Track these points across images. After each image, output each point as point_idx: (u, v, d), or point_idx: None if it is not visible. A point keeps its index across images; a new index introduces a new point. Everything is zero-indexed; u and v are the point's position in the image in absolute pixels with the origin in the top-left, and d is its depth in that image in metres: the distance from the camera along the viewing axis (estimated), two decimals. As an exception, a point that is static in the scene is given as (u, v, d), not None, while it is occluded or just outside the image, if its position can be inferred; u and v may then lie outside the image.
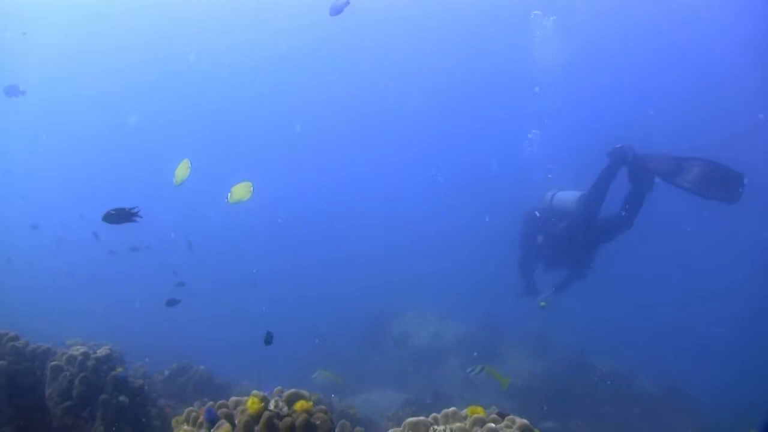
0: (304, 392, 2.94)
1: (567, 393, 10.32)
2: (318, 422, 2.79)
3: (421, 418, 2.52)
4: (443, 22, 22.73)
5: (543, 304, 8.59)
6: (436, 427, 2.41)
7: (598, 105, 26.25)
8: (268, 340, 4.74)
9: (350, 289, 17.67)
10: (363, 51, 23.97)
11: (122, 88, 26.35)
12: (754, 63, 18.74)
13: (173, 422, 3.15)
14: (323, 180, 29.55)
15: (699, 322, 16.38)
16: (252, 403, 2.75)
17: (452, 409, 2.58)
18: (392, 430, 2.54)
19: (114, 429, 3.95)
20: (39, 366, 4.33)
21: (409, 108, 26.54)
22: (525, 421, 2.46)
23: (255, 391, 2.86)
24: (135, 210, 3.63)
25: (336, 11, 7.66)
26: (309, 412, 2.80)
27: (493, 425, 2.39)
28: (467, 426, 2.42)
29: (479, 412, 2.53)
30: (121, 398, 4.04)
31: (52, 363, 4.14)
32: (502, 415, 2.63)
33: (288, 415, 2.77)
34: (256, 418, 2.72)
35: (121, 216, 3.60)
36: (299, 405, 2.81)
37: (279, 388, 3.01)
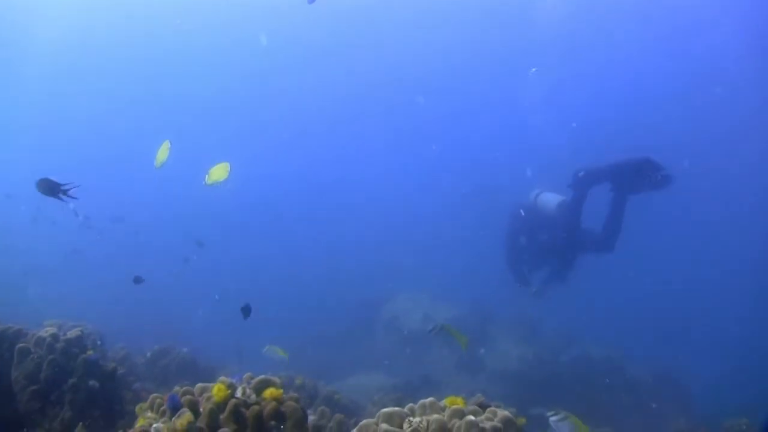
0: (275, 379, 2.77)
1: (557, 378, 10.23)
2: (288, 411, 2.62)
3: (396, 409, 2.35)
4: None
5: (533, 290, 8.76)
6: (411, 418, 2.25)
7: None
8: (246, 312, 4.56)
9: (340, 272, 17.54)
10: (353, 30, 23.58)
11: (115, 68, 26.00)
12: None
13: (137, 409, 2.99)
14: (310, 162, 29.30)
15: (697, 313, 16.35)
16: (218, 391, 2.58)
17: (430, 399, 2.41)
18: (364, 421, 2.38)
19: (83, 414, 3.79)
20: (8, 348, 4.14)
21: (397, 89, 26.24)
22: (506, 413, 2.30)
23: (222, 377, 2.70)
24: (68, 187, 3.42)
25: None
26: (278, 400, 2.63)
27: (472, 417, 2.22)
28: (445, 418, 2.26)
29: (458, 403, 2.37)
30: (92, 382, 3.88)
31: (20, 345, 3.96)
32: (483, 406, 2.47)
33: (256, 403, 2.61)
34: (221, 406, 2.55)
35: (51, 188, 3.37)
36: (268, 393, 2.64)
37: (248, 374, 2.85)
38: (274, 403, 2.60)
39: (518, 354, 11.81)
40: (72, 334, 4.03)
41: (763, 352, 11.71)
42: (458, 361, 12.10)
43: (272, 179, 27.55)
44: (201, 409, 2.60)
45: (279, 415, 2.59)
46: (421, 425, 2.21)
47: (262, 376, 2.75)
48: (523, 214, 8.62)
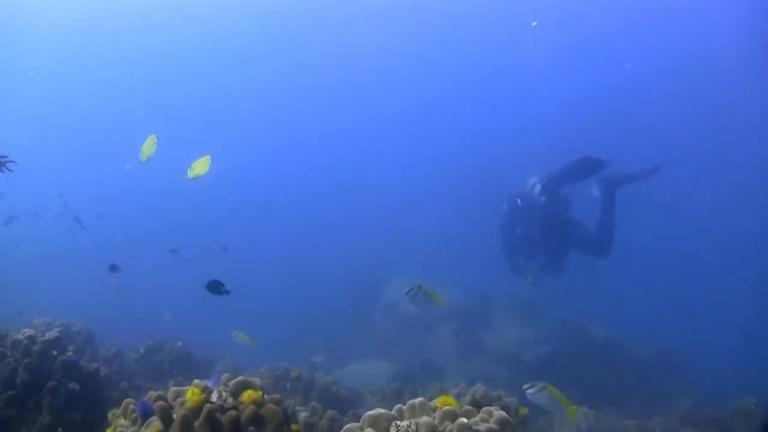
0: (254, 380, 2.58)
1: (559, 360, 10.09)
2: (268, 414, 2.44)
3: (383, 411, 2.17)
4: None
5: (530, 279, 8.84)
6: (398, 422, 2.07)
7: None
8: (215, 288, 4.28)
9: (338, 257, 17.37)
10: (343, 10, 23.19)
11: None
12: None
13: (109, 415, 2.82)
14: (307, 147, 29.04)
15: (700, 293, 16.21)
16: (192, 395, 2.40)
17: (419, 399, 2.23)
18: (347, 426, 2.20)
19: (63, 418, 3.62)
20: (-15, 351, 3.97)
21: (392, 66, 25.89)
22: (503, 414, 2.11)
23: (196, 381, 2.51)
24: (4, 160, 3.22)
25: None
26: (257, 403, 2.45)
27: (465, 420, 2.04)
28: (436, 421, 2.08)
29: (450, 403, 2.19)
30: (71, 385, 3.70)
31: (-5, 349, 3.79)
32: (478, 405, 2.28)
33: (233, 407, 2.42)
34: (195, 411, 2.37)
35: None
36: (246, 395, 2.46)
37: (227, 375, 2.66)
38: (252, 407, 2.41)
39: (519, 336, 11.69)
40: (50, 335, 3.84)
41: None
42: (459, 345, 11.99)
43: (265, 165, 27.35)
44: (174, 415, 2.41)
45: (258, 420, 2.41)
46: (409, 429, 2.03)
47: (241, 378, 2.56)
48: (519, 203, 8.65)
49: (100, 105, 25.66)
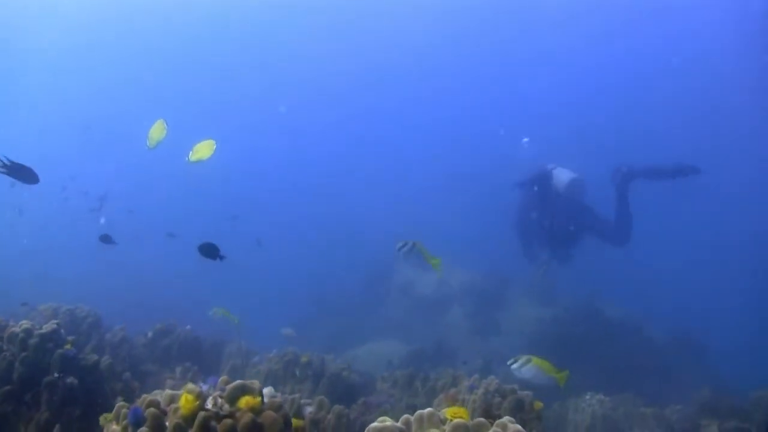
0: (253, 384, 2.42)
1: (575, 341, 9.91)
2: (267, 422, 2.28)
3: (388, 423, 1.99)
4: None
5: (543, 268, 9.05)
6: (404, 437, 1.90)
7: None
8: (207, 252, 4.05)
9: (354, 237, 17.25)
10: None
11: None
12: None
13: (101, 419, 2.69)
14: (320, 130, 28.89)
15: (717, 280, 15.95)
16: (185, 402, 2.24)
17: (428, 411, 2.05)
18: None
19: (61, 414, 3.51)
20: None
21: (405, 51, 25.61)
22: (518, 427, 1.93)
23: (190, 385, 2.35)
24: None
25: None
26: (255, 410, 2.29)
27: (476, 436, 1.86)
28: (444, 435, 1.91)
29: (461, 415, 2.01)
30: (69, 379, 3.57)
31: (-8, 342, 3.67)
32: (492, 417, 2.11)
33: (229, 414, 2.27)
34: (189, 419, 2.21)
35: None
36: (244, 402, 2.30)
37: (224, 378, 2.50)
38: (249, 415, 2.25)
39: (535, 315, 11.50)
40: (47, 327, 3.71)
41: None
42: (473, 326, 11.86)
43: (277, 151, 27.29)
44: (167, 423, 2.27)
45: (256, 428, 2.25)
46: (416, 444, 1.86)
47: (238, 382, 2.40)
48: (536, 189, 8.59)
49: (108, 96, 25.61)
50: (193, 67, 26.53)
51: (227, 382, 2.47)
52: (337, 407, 3.73)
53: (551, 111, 23.30)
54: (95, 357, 3.90)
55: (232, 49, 25.88)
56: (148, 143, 5.20)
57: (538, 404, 4.00)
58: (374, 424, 2.01)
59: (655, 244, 16.28)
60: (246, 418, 2.25)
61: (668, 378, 8.99)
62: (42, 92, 25.18)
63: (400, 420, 2.04)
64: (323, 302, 14.02)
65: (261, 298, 13.54)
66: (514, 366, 4.05)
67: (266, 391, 4.33)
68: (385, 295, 13.57)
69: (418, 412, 2.05)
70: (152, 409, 2.28)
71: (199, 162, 4.97)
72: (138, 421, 2.25)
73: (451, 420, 1.97)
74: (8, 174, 4.07)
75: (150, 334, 6.84)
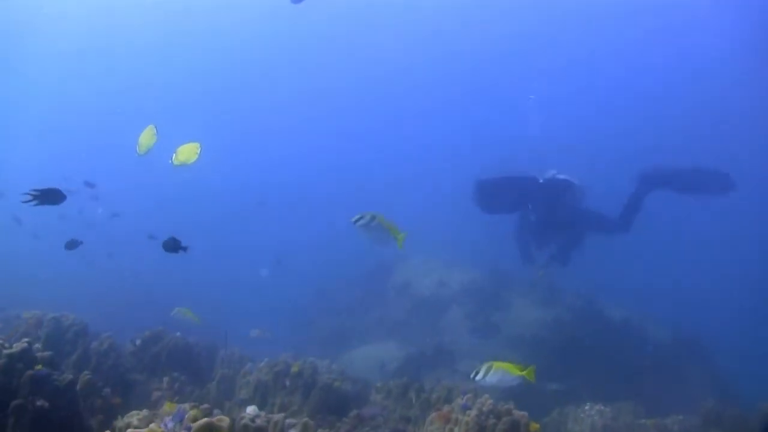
0: (222, 422, 2.24)
1: (576, 343, 9.73)
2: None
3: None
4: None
5: (541, 273, 9.17)
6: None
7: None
8: (170, 247, 4.01)
9: (352, 237, 17.10)
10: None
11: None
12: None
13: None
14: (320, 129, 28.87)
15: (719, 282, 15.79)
16: (145, 447, 2.07)
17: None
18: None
19: (31, 439, 3.34)
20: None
21: (409, 62, 25.54)
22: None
23: (152, 426, 2.18)
24: None
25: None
26: (221, 456, 2.11)
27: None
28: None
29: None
30: (39, 402, 3.40)
31: (-43, 363, 3.49)
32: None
33: (193, 460, 2.09)
34: (148, 467, 2.04)
35: None
36: (209, 446, 2.13)
37: (191, 414, 2.33)
38: (214, 461, 2.08)
39: (536, 318, 11.31)
40: (17, 347, 3.53)
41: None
42: (472, 326, 11.66)
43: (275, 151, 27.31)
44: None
45: (221, 475, 2.08)
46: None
47: (204, 421, 2.23)
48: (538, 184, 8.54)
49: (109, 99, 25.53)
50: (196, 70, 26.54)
51: (195, 419, 2.30)
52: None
53: (558, 112, 23.20)
54: (69, 376, 3.72)
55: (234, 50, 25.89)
56: (138, 149, 5.04)
57: (535, 426, 3.82)
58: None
59: (659, 243, 16.13)
60: (210, 464, 2.07)
61: (672, 380, 8.82)
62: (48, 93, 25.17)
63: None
64: (321, 302, 13.87)
65: (258, 301, 13.44)
66: (478, 377, 3.98)
67: (250, 409, 4.16)
68: (384, 295, 13.38)
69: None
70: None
71: (183, 165, 4.82)
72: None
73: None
74: (40, 203, 4.11)
75: (138, 341, 6.66)
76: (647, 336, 10.37)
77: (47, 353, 3.95)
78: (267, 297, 14.11)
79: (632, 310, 11.22)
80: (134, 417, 3.19)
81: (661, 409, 7.09)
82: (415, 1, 22.44)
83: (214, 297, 12.66)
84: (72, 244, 5.95)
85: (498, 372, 3.97)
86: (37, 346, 4.07)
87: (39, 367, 3.54)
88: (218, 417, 2.27)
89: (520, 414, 3.87)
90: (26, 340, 3.64)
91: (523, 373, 4.00)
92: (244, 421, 3.30)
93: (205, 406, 3.21)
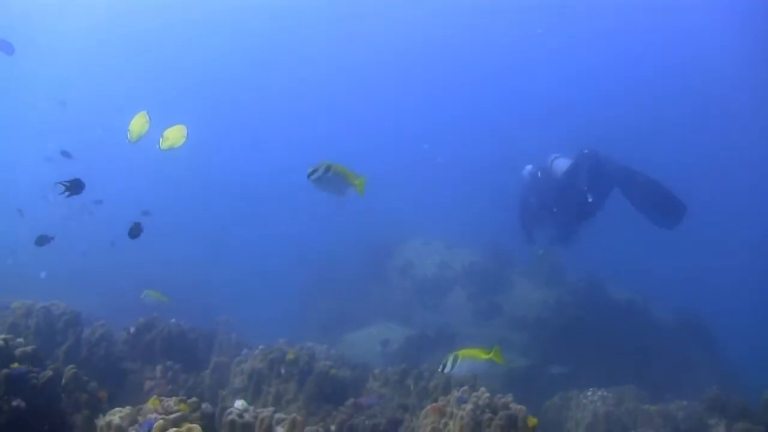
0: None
1: (579, 324, 9.60)
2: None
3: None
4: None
5: (541, 252, 9.27)
6: None
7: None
8: (134, 232, 4.11)
9: (354, 217, 16.94)
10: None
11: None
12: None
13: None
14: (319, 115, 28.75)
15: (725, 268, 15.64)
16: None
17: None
18: None
19: (7, 440, 3.22)
20: None
21: (410, 48, 25.24)
22: None
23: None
24: None
25: None
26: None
27: None
28: None
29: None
30: (15, 402, 3.27)
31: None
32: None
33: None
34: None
35: None
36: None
37: (159, 424, 2.19)
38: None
39: (539, 298, 11.18)
40: (-6, 344, 3.41)
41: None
42: (475, 308, 11.54)
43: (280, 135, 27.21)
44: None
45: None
46: None
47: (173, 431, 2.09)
48: (539, 175, 8.76)
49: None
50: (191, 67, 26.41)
51: (163, 429, 2.15)
52: (310, 428, 3.41)
53: (552, 107, 23.07)
54: (49, 373, 3.59)
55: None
56: (128, 137, 4.87)
57: (533, 420, 3.66)
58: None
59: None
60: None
61: (676, 363, 8.70)
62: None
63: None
64: (322, 283, 13.77)
65: (260, 282, 13.35)
66: (446, 370, 3.91)
67: (239, 404, 4.01)
68: (385, 277, 13.26)
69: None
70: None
71: (171, 149, 4.66)
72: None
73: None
74: (71, 194, 4.30)
75: (132, 329, 6.53)
76: (652, 316, 10.20)
77: (30, 347, 3.81)
78: (269, 280, 14.02)
79: (636, 290, 11.07)
80: (116, 415, 3.04)
81: (665, 395, 6.98)
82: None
83: (215, 281, 12.59)
84: (42, 240, 5.82)
85: (465, 360, 3.90)
86: (20, 340, 3.94)
87: (15, 365, 3.41)
88: (187, 427, 2.13)
89: (517, 408, 3.72)
90: (2, 337, 3.50)
91: (489, 356, 3.94)
92: (231, 417, 3.19)
93: (193, 399, 3.09)
